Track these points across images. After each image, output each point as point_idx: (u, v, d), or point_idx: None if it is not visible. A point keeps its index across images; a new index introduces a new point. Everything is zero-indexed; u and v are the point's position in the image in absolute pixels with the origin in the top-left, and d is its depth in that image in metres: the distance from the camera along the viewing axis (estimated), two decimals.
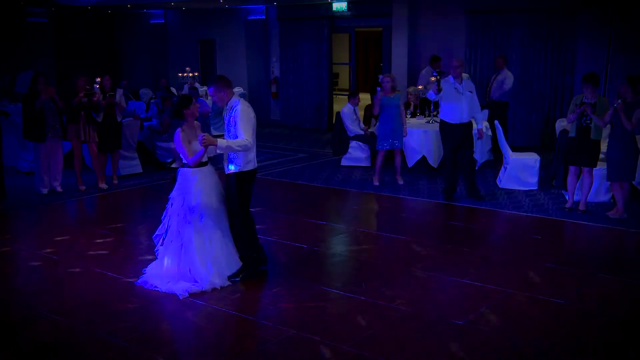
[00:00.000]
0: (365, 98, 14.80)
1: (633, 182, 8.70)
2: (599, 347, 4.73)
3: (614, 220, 7.77)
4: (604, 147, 8.06)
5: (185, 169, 5.78)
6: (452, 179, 8.85)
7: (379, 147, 9.65)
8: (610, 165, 7.73)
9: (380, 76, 10.07)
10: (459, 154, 8.69)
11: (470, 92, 8.63)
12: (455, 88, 8.57)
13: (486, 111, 10.56)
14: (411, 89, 12.06)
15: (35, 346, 4.81)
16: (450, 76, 8.70)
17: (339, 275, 6.15)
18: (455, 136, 8.59)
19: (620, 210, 7.80)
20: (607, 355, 4.62)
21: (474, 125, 8.90)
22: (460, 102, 8.54)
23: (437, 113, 11.27)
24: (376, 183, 9.80)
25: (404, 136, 9.66)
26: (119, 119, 9.73)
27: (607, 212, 8.04)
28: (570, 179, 8.17)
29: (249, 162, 5.73)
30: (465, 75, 12.49)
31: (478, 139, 9.14)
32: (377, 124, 9.75)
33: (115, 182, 9.92)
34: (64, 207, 8.87)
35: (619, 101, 7.52)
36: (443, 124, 8.71)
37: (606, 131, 8.01)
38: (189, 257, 5.69)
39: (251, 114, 5.64)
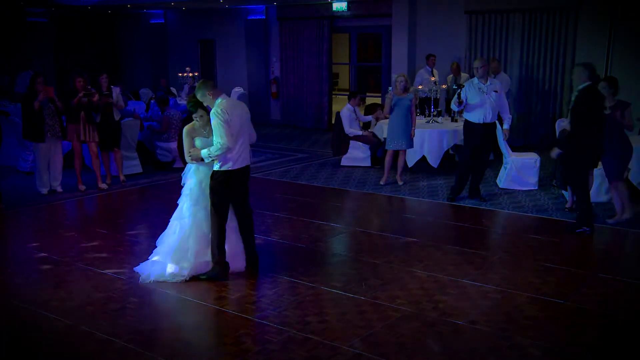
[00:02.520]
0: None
1: (633, 182, 8.70)
2: (599, 347, 4.72)
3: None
4: None
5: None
6: (464, 179, 8.76)
7: (388, 146, 9.64)
8: (604, 165, 7.70)
9: (394, 75, 10.03)
10: (477, 154, 8.62)
11: (496, 91, 8.44)
12: (480, 88, 8.42)
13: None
14: (411, 89, 12.06)
15: (35, 346, 4.81)
16: (475, 77, 8.59)
17: (339, 275, 6.15)
18: (478, 136, 8.49)
19: (619, 213, 7.76)
20: (607, 355, 4.62)
21: (501, 125, 8.87)
22: (484, 103, 8.39)
23: (437, 114, 11.32)
24: (382, 182, 9.80)
25: (412, 137, 9.63)
26: (116, 118, 9.73)
27: (607, 212, 8.03)
28: None
29: (228, 162, 5.72)
30: (464, 76, 12.55)
31: (503, 139, 9.07)
32: (388, 123, 9.74)
33: (123, 178, 9.94)
34: (64, 207, 8.88)
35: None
36: (467, 124, 8.61)
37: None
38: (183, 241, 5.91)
39: (224, 115, 5.57)
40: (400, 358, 4.50)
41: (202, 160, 5.79)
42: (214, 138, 5.63)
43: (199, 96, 5.77)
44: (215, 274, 5.91)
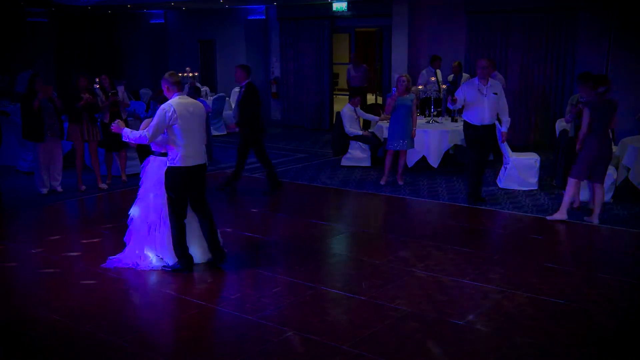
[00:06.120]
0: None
1: (633, 182, 8.70)
2: (599, 347, 4.73)
3: (614, 220, 7.76)
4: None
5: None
6: (475, 180, 8.64)
7: (388, 147, 9.64)
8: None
9: (396, 76, 10.01)
10: (479, 154, 8.53)
11: (495, 93, 8.35)
12: (479, 89, 8.34)
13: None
14: (412, 89, 12.05)
15: (34, 346, 4.81)
16: (475, 77, 8.52)
17: (339, 275, 6.16)
18: (479, 138, 8.41)
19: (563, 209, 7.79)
20: (607, 355, 4.62)
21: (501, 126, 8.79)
22: (482, 104, 8.30)
23: (437, 114, 11.32)
24: (382, 182, 9.80)
25: (413, 137, 9.63)
26: (123, 117, 9.76)
27: (607, 212, 8.01)
28: None
29: (181, 159, 5.90)
30: (465, 76, 12.54)
31: (501, 142, 9.02)
32: (388, 123, 9.74)
33: (125, 179, 9.97)
34: (64, 207, 8.87)
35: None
36: (466, 125, 8.54)
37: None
38: (159, 237, 6.19)
39: (166, 113, 5.80)
40: (400, 358, 4.51)
41: (120, 132, 6.08)
42: (149, 127, 5.90)
43: (162, 85, 6.05)
44: (179, 268, 6.10)
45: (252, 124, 9.07)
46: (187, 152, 5.90)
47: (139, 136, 5.93)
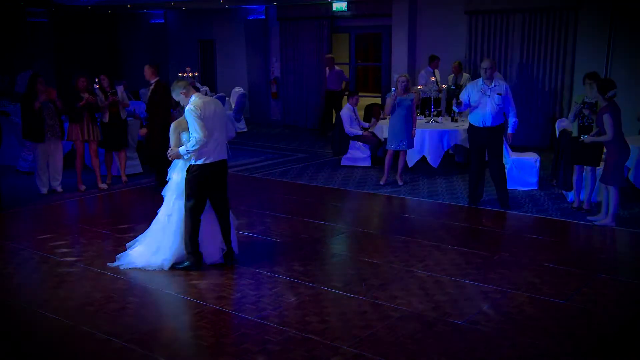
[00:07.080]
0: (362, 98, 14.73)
1: (633, 182, 8.70)
2: (599, 347, 4.73)
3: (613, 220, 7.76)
4: None
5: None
6: (475, 183, 8.55)
7: (388, 146, 9.64)
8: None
9: (396, 75, 10.01)
10: (487, 159, 8.42)
11: (499, 94, 8.17)
12: (482, 90, 8.18)
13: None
14: (413, 89, 12.05)
15: (35, 346, 4.81)
16: (480, 78, 8.38)
17: (339, 275, 6.15)
18: (481, 140, 8.30)
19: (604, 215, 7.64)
20: (607, 355, 4.62)
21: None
22: (485, 105, 8.17)
23: (437, 114, 11.32)
24: (382, 182, 9.79)
25: (412, 137, 9.62)
26: (123, 117, 9.77)
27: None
28: (576, 178, 8.17)
29: (202, 156, 5.95)
30: (466, 76, 12.54)
31: (507, 143, 8.90)
32: (388, 123, 9.73)
33: (125, 179, 9.97)
34: (64, 207, 8.87)
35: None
36: (469, 127, 8.45)
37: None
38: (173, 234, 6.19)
39: (197, 111, 5.82)
40: (400, 358, 4.51)
41: (182, 157, 6.04)
42: (190, 134, 5.87)
43: (174, 95, 6.08)
44: (189, 265, 6.14)
45: (164, 123, 8.53)
46: (209, 149, 5.96)
47: (193, 144, 5.84)
